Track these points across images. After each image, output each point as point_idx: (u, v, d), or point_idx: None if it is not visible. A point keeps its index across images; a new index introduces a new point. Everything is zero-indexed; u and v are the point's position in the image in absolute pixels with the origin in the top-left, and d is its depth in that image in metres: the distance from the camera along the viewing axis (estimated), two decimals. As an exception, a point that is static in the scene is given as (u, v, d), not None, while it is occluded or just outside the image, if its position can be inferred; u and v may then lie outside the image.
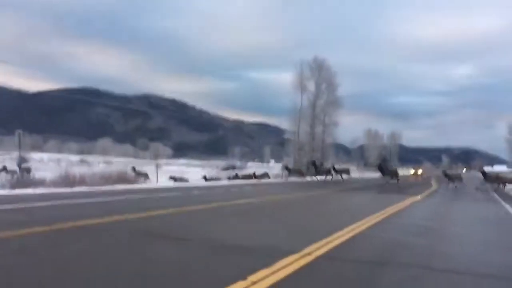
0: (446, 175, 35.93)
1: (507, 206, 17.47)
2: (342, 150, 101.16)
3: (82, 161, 77.82)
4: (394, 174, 37.86)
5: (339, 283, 4.76)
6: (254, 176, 38.05)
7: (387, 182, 35.16)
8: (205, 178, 35.20)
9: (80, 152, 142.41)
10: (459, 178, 35.16)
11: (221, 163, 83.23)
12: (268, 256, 5.71)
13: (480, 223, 11.65)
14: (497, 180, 31.06)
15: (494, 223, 11.89)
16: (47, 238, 6.56)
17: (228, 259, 5.67)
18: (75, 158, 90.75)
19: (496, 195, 25.07)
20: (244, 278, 4.59)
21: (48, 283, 4.39)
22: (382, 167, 39.32)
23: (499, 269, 5.82)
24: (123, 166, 41.84)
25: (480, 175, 33.68)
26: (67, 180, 20.82)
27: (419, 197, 19.73)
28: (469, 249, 7.41)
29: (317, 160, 45.48)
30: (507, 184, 30.31)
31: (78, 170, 29.30)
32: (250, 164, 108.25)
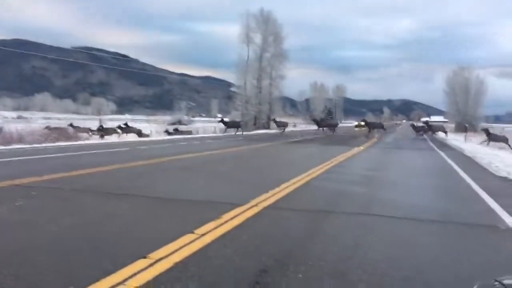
0: (414, 127, 41.26)
1: (442, 153, 18.46)
2: (289, 103, 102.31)
3: (19, 118, 74.21)
4: (331, 126, 44.47)
5: (285, 232, 4.87)
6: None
7: (326, 133, 39.40)
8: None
9: (17, 108, 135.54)
10: (426, 130, 39.73)
11: (168, 118, 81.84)
12: (215, 209, 5.74)
13: (419, 171, 12.26)
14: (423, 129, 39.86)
15: (432, 171, 12.55)
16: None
17: (175, 214, 5.65)
18: (11, 114, 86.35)
19: (432, 144, 26.38)
20: (191, 231, 4.60)
21: (-15, 245, 4.19)
22: (317, 121, 46.30)
23: (435, 214, 6.17)
24: (64, 123, 40.21)
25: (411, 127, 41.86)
26: (3, 137, 19.75)
27: (362, 147, 20.40)
28: (408, 196, 7.80)
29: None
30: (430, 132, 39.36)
31: (15, 127, 27.90)
32: (197, 119, 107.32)
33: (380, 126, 44.77)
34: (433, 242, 4.78)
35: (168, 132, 35.46)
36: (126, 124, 33.09)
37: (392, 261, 4.03)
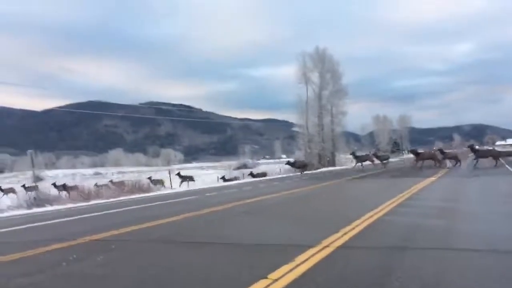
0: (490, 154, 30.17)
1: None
2: (353, 138, 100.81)
3: (96, 174, 78.60)
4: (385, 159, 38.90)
5: (360, 271, 4.75)
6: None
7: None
8: (223, 178, 34.89)
9: (93, 165, 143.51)
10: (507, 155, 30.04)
11: (233, 163, 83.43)
12: (287, 252, 5.71)
13: (497, 199, 11.53)
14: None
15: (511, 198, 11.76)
16: (69, 252, 6.62)
17: (247, 259, 5.69)
18: (88, 171, 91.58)
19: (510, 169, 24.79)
20: (265, 276, 4.60)
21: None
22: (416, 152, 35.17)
23: (520, 244, 5.76)
24: (137, 176, 42.08)
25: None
26: (83, 194, 21.00)
27: (434, 178, 19.58)
28: (488, 226, 7.35)
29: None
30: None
31: (93, 184, 29.53)
32: (262, 161, 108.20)
33: (496, 154, 29.28)
34: (522, 275, 4.45)
35: (252, 175, 35.46)
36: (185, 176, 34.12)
37: (478, 297, 3.79)
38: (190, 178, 32.70)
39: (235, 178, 35.08)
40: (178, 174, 33.61)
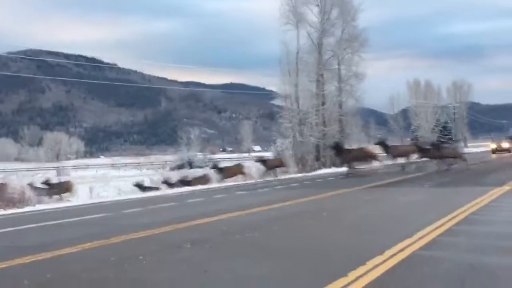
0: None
1: None
2: (374, 119, 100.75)
3: None
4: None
5: None
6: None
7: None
8: (139, 186, 35.09)
9: None
10: None
11: (171, 158, 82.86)
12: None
13: None
14: None
15: None
16: None
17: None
18: None
19: None
20: None
21: None
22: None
23: None
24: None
25: None
26: None
27: (506, 187, 19.92)
28: None
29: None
30: None
31: None
32: (219, 156, 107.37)
33: None
34: None
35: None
36: None
37: None
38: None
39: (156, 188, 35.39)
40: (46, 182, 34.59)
